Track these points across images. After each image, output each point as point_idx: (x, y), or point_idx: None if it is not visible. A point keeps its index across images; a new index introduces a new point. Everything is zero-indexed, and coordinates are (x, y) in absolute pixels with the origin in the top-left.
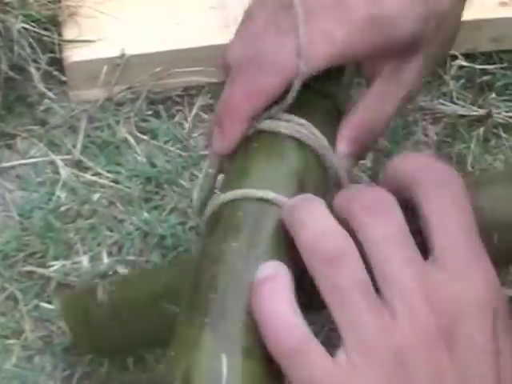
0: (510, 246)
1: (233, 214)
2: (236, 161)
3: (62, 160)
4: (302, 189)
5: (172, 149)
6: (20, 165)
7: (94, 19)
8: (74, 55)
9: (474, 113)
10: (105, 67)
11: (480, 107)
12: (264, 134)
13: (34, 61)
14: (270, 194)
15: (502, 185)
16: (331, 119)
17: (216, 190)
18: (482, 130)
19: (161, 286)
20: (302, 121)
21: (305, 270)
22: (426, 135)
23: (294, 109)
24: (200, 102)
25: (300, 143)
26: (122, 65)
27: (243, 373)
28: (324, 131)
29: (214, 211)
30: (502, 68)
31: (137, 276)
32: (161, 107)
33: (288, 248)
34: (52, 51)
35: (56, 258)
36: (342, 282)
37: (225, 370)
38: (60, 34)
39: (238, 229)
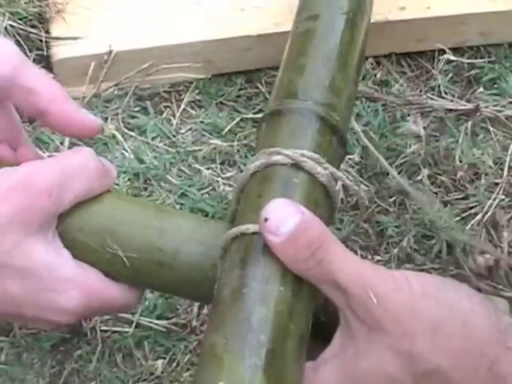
0: None
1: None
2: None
3: (50, 157)
4: None
5: (160, 145)
6: None
7: (80, 16)
8: (62, 52)
9: (462, 107)
10: (92, 64)
11: (468, 101)
12: (281, 167)
13: None
14: None
15: None
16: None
17: None
18: (469, 124)
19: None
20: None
21: None
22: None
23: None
24: (188, 97)
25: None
26: (109, 61)
27: None
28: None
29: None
30: (489, 62)
31: None
32: (148, 103)
33: None
34: (39, 48)
35: None
36: None
37: None
38: (47, 31)
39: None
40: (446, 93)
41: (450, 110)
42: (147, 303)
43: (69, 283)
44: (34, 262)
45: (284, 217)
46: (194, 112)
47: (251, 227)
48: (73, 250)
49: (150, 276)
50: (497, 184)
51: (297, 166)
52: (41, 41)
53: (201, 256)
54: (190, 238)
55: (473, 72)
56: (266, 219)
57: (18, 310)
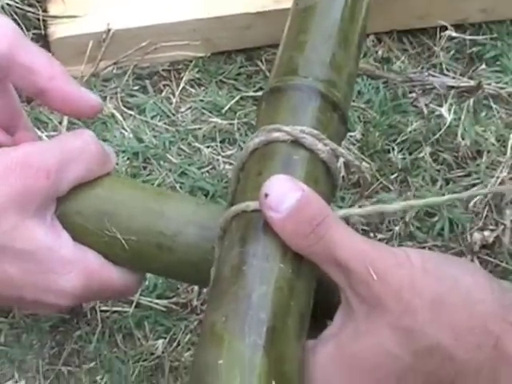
0: None
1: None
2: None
3: (48, 137)
4: None
5: (159, 124)
6: None
7: None
8: (59, 31)
9: (464, 84)
10: (90, 43)
11: (470, 78)
12: (281, 144)
13: None
14: None
15: None
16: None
17: None
18: (472, 101)
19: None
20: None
21: None
22: (415, 106)
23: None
24: (187, 76)
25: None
26: (107, 40)
27: None
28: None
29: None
30: (491, 39)
31: None
32: (147, 82)
33: None
34: (37, 27)
35: None
36: None
37: None
38: (45, 10)
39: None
40: (447, 70)
41: (452, 87)
42: (147, 283)
43: (68, 265)
44: (34, 243)
45: (285, 193)
46: (193, 90)
47: (251, 204)
48: (72, 233)
49: (149, 259)
50: (499, 161)
51: (297, 142)
52: (38, 20)
53: (200, 238)
54: (190, 220)
55: (475, 49)
56: (266, 195)
57: (18, 293)
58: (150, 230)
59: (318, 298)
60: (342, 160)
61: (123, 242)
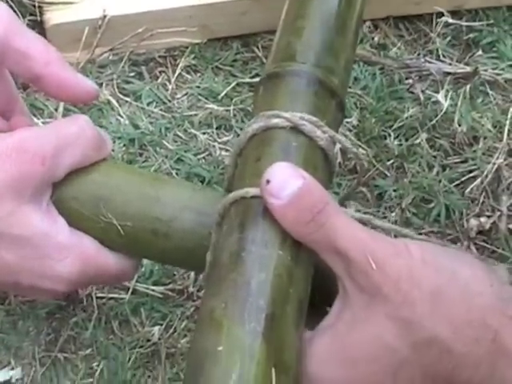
0: None
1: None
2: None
3: (44, 123)
4: None
5: (155, 110)
6: None
7: None
8: (55, 17)
9: (461, 70)
10: (86, 29)
11: (466, 64)
12: (279, 131)
13: None
14: None
15: None
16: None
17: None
18: (468, 87)
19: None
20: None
21: None
22: (412, 93)
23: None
24: (183, 62)
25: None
26: (103, 26)
27: None
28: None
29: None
30: (488, 25)
31: None
32: (143, 68)
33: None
34: (32, 14)
35: None
36: None
37: None
38: None
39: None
40: (444, 56)
41: (449, 74)
42: (143, 269)
43: (65, 250)
44: (30, 229)
45: (286, 180)
46: (189, 77)
47: (251, 191)
48: (67, 219)
49: (145, 245)
50: (496, 148)
51: (296, 129)
52: (34, 6)
53: (196, 224)
54: (186, 206)
55: (471, 35)
56: (267, 181)
57: (15, 279)
58: (145, 215)
59: (317, 285)
60: (338, 146)
61: (119, 227)
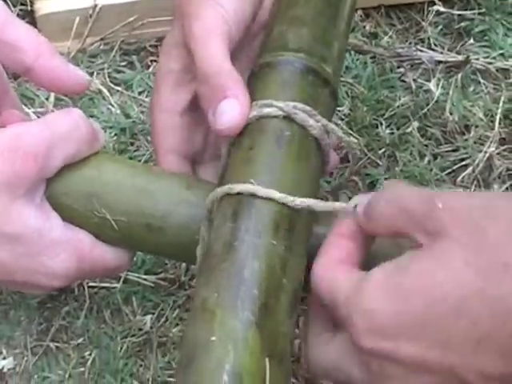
0: None
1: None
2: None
3: (35, 113)
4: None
5: (146, 99)
6: None
7: None
8: (46, 7)
9: (452, 59)
10: (77, 18)
11: (458, 53)
12: (272, 120)
13: None
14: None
15: None
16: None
17: None
18: (460, 76)
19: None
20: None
21: None
22: (403, 82)
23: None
24: None
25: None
26: (94, 16)
27: None
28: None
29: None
30: (479, 14)
31: None
32: (135, 58)
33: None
34: (23, 3)
35: None
36: None
37: None
38: None
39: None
40: (435, 45)
41: (440, 62)
42: (135, 258)
43: (59, 247)
44: (23, 226)
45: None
46: None
47: (235, 187)
48: (61, 214)
49: (139, 239)
50: (487, 136)
51: (289, 118)
52: None
53: (191, 218)
54: (180, 199)
55: (463, 24)
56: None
57: (9, 276)
58: (139, 210)
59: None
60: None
61: (113, 222)
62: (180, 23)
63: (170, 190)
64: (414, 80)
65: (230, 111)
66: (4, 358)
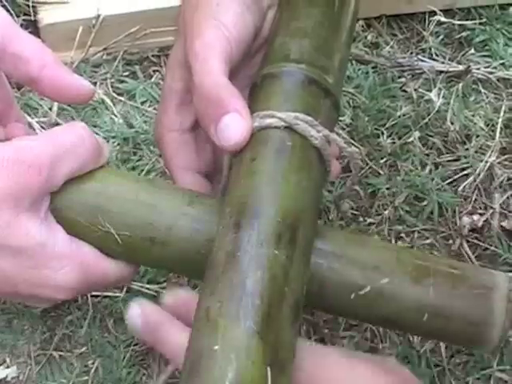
0: None
1: None
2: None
3: (38, 122)
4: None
5: (149, 109)
6: None
7: None
8: (49, 17)
9: (453, 69)
10: (80, 28)
11: (459, 63)
12: (274, 130)
13: None
14: None
15: None
16: (333, 116)
17: None
18: (461, 85)
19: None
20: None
21: None
22: (405, 91)
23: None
24: None
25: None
26: (97, 26)
27: None
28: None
29: None
30: (480, 24)
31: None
32: (137, 68)
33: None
34: (26, 13)
35: None
36: None
37: None
38: None
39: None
40: (436, 55)
41: (441, 72)
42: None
43: (64, 260)
44: (28, 240)
45: None
46: None
47: None
48: (65, 227)
49: (143, 253)
50: (488, 146)
51: (290, 128)
52: (28, 6)
53: (194, 232)
54: (183, 213)
55: (464, 34)
56: None
57: (14, 289)
58: (142, 224)
59: None
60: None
61: (116, 236)
62: (183, 42)
63: (174, 204)
64: (416, 90)
65: (234, 126)
66: (8, 367)
